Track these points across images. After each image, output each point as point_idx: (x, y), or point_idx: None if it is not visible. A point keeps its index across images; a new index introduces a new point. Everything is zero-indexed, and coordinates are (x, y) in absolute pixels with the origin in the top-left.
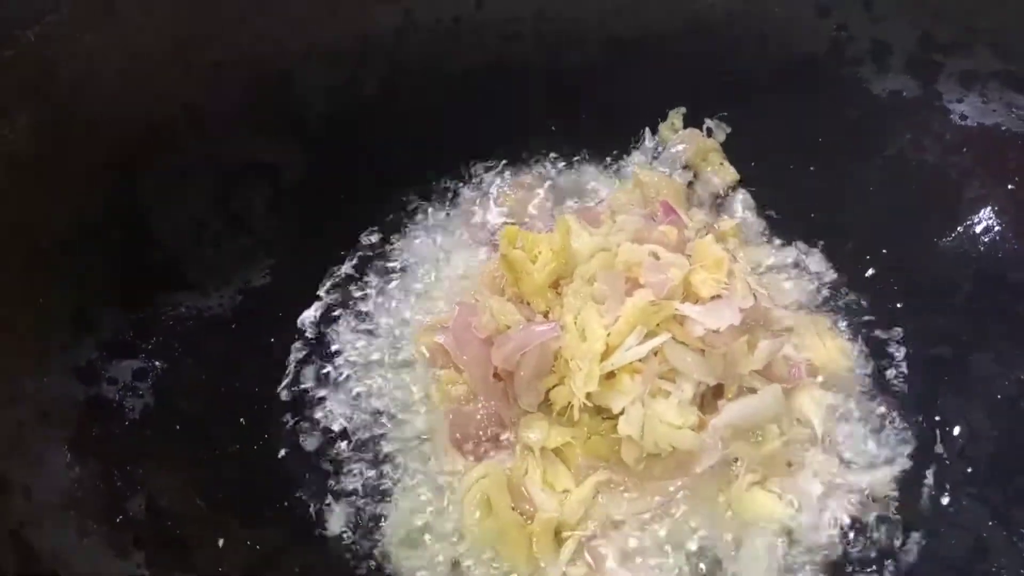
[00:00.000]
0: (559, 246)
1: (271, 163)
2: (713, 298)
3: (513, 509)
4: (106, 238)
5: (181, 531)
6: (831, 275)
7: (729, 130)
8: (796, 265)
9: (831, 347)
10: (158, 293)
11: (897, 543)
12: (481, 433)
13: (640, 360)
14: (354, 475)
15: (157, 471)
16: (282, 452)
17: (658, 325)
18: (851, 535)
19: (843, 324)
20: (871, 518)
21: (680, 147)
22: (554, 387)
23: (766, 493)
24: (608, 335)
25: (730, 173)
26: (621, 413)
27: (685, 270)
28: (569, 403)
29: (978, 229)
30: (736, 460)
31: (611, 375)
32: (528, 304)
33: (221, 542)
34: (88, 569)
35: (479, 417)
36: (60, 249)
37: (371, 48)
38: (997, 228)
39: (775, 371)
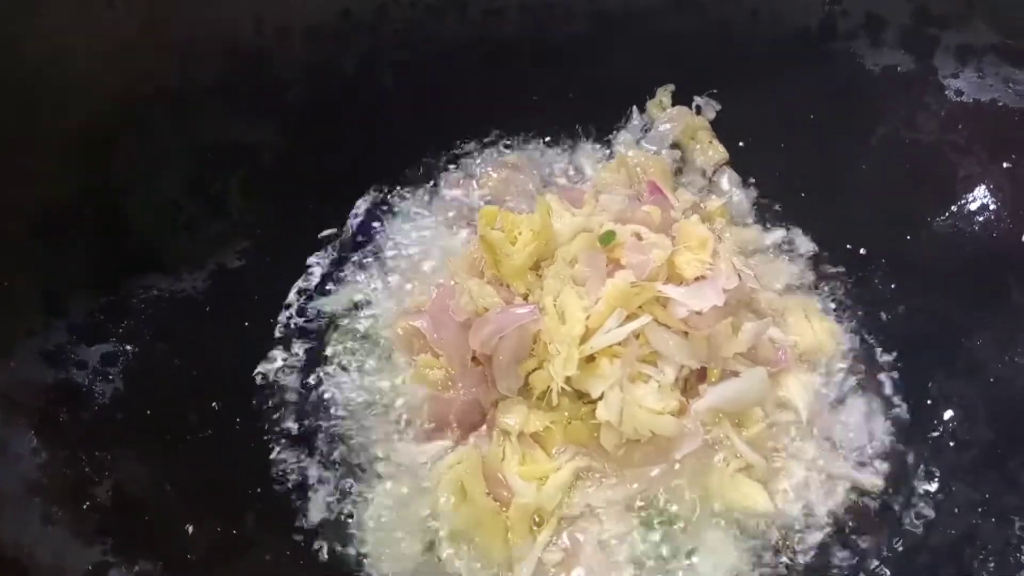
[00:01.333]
0: (539, 226)
1: (248, 144)
2: (697, 279)
3: (488, 495)
4: (77, 220)
5: (149, 517)
6: (821, 255)
7: (719, 108)
8: (785, 245)
9: (820, 329)
10: (130, 276)
11: (885, 530)
12: (459, 418)
13: (620, 343)
14: (329, 461)
15: (126, 457)
16: (255, 438)
17: (640, 307)
18: (836, 523)
19: (833, 305)
20: (858, 505)
21: (668, 125)
22: (534, 371)
23: (749, 481)
24: (588, 317)
25: (719, 152)
26: (600, 398)
27: (668, 251)
28: (548, 387)
29: (973, 208)
30: (718, 445)
31: (591, 359)
32: (508, 286)
33: (190, 529)
34: (53, 557)
35: (457, 402)
36: (29, 231)
37: (351, 25)
38: (992, 207)
39: (760, 354)
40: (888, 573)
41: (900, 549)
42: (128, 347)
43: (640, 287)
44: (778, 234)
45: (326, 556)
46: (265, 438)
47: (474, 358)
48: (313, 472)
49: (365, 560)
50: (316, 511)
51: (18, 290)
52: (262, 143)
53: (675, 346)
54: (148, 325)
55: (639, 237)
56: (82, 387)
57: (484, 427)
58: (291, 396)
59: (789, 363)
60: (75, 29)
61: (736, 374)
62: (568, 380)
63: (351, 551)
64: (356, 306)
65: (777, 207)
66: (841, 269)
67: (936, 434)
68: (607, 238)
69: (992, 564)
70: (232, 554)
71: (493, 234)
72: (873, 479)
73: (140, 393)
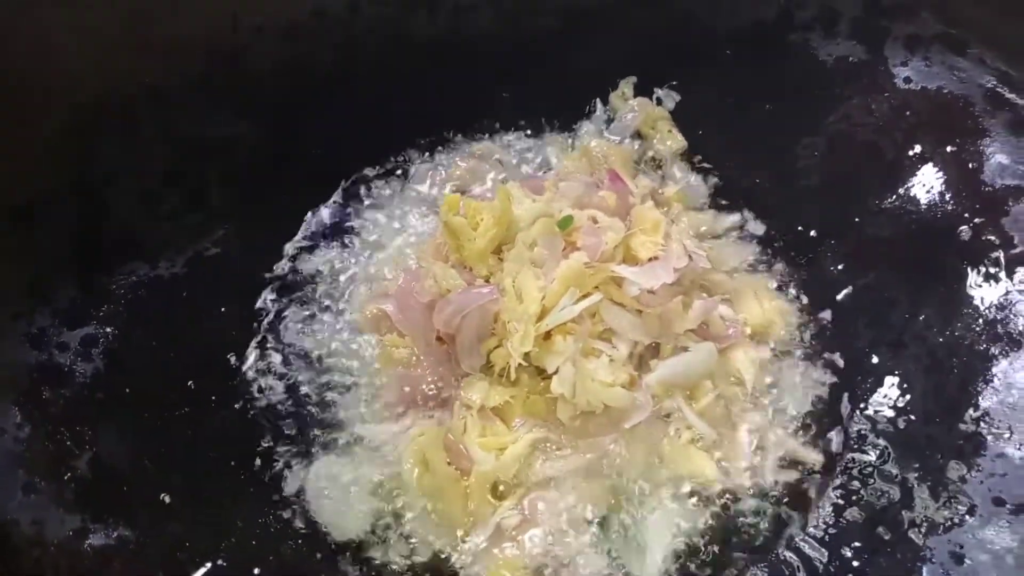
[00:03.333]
0: (499, 212)
1: (225, 136)
2: (651, 260)
3: (450, 464)
4: (61, 210)
5: (127, 488)
6: (774, 237)
7: (679, 98)
8: (739, 229)
9: (769, 308)
10: (112, 263)
11: (825, 499)
12: (424, 395)
13: (574, 321)
14: (302, 437)
15: (105, 432)
16: (229, 416)
17: (596, 287)
18: (779, 490)
19: (784, 285)
20: (800, 474)
21: (630, 116)
22: (495, 349)
23: (699, 451)
24: (544, 297)
25: (677, 141)
26: (555, 373)
27: (622, 234)
28: (508, 364)
29: (918, 190)
30: (671, 417)
31: (548, 336)
32: (470, 270)
33: (167, 499)
34: (34, 524)
35: (422, 380)
36: (14, 220)
37: (325, 22)
38: (937, 189)
39: (711, 331)
40: (827, 540)
41: (840, 520)
42: (108, 330)
43: (594, 268)
44: (733, 218)
45: (301, 524)
46: (238, 416)
47: (439, 338)
48: (286, 447)
49: (333, 528)
50: (288, 483)
51: (3, 276)
52: (239, 136)
53: (628, 323)
54: (128, 309)
55: (595, 221)
56: (64, 367)
57: (448, 403)
58: (263, 377)
59: (739, 339)
60: (60, 27)
61: (686, 350)
62: (526, 356)
63: (321, 519)
64: (329, 292)
65: (732, 192)
66: (792, 250)
67: (878, 406)
68: (565, 222)
69: (925, 526)
70: (207, 522)
71: (455, 220)
72: (813, 454)
73: (119, 373)
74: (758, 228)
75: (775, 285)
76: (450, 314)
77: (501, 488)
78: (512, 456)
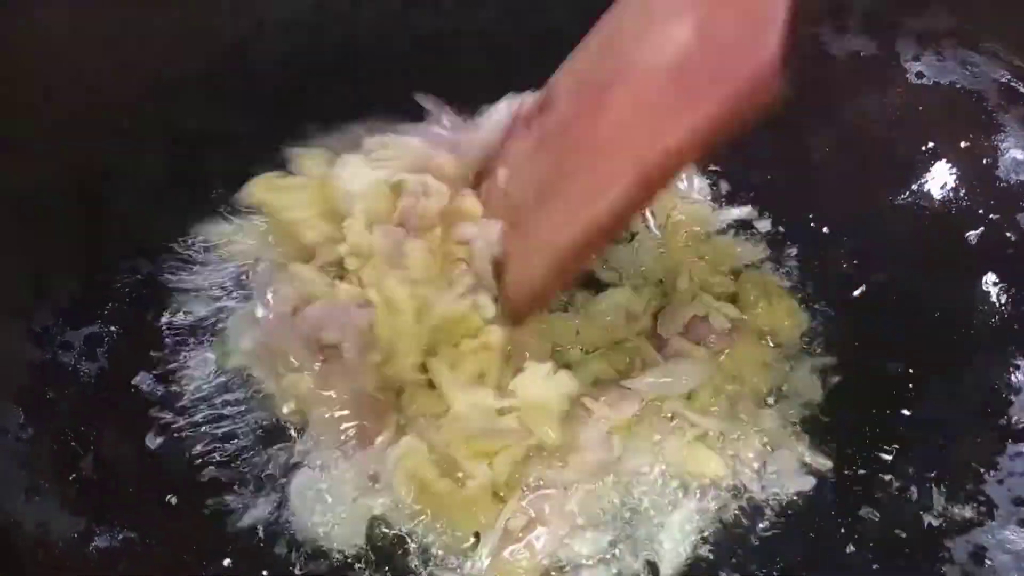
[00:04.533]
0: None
1: (227, 132)
2: None
3: (443, 476)
4: (63, 207)
5: (132, 489)
6: (784, 235)
7: None
8: (749, 227)
9: (779, 308)
10: (114, 261)
11: (841, 499)
12: (367, 417)
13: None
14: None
15: (110, 432)
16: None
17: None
18: (791, 490)
19: (792, 283)
20: (814, 474)
21: None
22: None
23: (707, 449)
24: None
25: None
26: None
27: (445, 198)
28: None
29: (932, 186)
30: (675, 415)
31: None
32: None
33: (173, 500)
34: (38, 526)
35: (352, 406)
36: (17, 218)
37: (326, 17)
38: (951, 185)
39: (705, 334)
40: (843, 540)
41: (850, 519)
42: (112, 328)
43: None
44: (736, 212)
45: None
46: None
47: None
48: (291, 446)
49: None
50: (295, 484)
51: (6, 274)
52: (241, 131)
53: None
54: (132, 307)
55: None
56: (68, 366)
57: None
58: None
59: (739, 339)
60: (60, 24)
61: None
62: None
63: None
64: None
65: (740, 188)
66: (803, 247)
67: (892, 407)
68: (396, 187)
69: (943, 526)
70: (212, 523)
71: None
72: (823, 455)
73: (123, 372)
74: (767, 225)
75: (787, 284)
76: (311, 328)
77: (502, 493)
78: (505, 461)
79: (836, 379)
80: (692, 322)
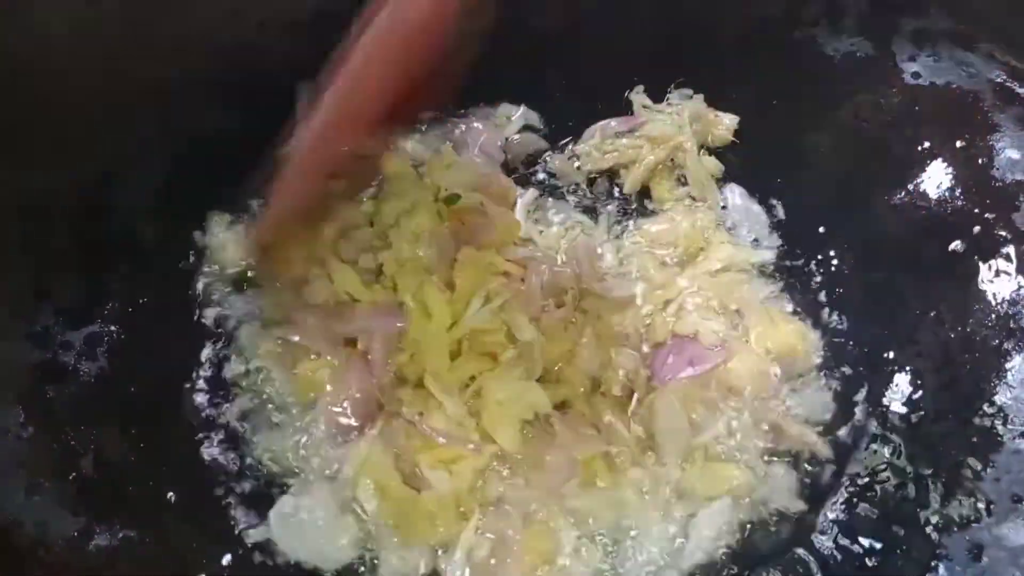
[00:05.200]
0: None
1: (228, 133)
2: None
3: (405, 484)
4: (63, 207)
5: (132, 488)
6: (780, 236)
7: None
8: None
9: (786, 331)
10: (115, 261)
11: (839, 497)
12: (358, 412)
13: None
14: (307, 435)
15: (109, 431)
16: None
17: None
18: (792, 488)
19: (793, 291)
20: (813, 472)
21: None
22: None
23: (723, 463)
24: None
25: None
26: None
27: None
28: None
29: (928, 186)
30: None
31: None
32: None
33: (173, 498)
34: (38, 526)
35: (352, 398)
36: (16, 217)
37: (327, 19)
38: (947, 184)
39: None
40: (840, 538)
41: (848, 517)
42: (112, 328)
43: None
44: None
45: None
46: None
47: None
48: (291, 448)
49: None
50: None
51: (6, 274)
52: (242, 133)
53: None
54: (132, 307)
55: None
56: (68, 366)
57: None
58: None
59: (733, 352)
60: (60, 25)
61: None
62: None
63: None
64: None
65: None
66: (800, 249)
67: (890, 405)
68: (452, 199)
69: (940, 523)
70: (212, 521)
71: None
72: (825, 450)
73: (124, 372)
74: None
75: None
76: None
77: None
78: (469, 470)
79: (835, 377)
80: (676, 343)
